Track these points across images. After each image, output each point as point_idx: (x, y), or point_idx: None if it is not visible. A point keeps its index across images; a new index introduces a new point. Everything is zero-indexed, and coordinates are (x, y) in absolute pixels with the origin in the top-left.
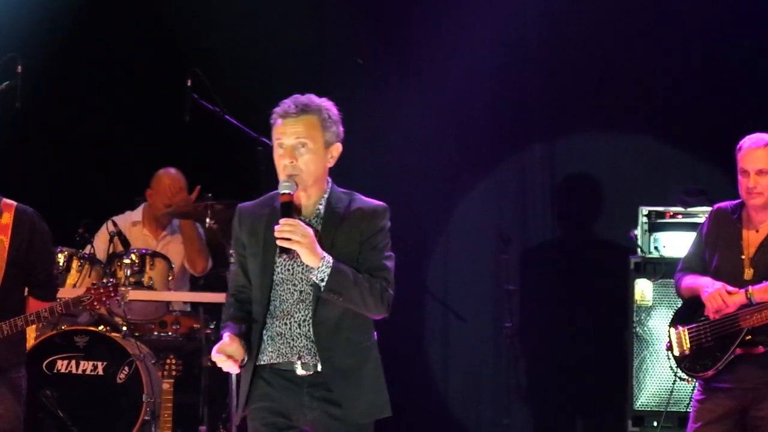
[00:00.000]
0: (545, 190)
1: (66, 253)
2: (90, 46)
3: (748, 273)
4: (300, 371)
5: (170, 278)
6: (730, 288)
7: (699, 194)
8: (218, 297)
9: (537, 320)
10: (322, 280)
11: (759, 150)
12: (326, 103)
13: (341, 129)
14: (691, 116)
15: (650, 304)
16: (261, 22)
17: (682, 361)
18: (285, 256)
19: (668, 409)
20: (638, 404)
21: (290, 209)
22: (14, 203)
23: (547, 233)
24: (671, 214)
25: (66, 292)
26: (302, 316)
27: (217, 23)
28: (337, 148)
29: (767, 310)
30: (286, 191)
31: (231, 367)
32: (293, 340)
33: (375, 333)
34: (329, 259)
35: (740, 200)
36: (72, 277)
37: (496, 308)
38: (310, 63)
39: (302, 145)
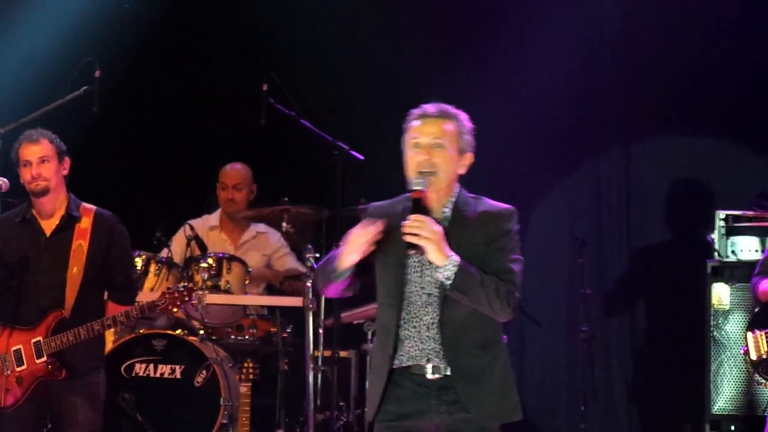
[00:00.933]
0: (621, 194)
1: (143, 256)
2: (167, 51)
3: None
4: (430, 375)
5: (247, 282)
6: None
7: None
8: (295, 301)
9: (613, 324)
10: (448, 279)
11: None
12: (462, 114)
13: (473, 141)
14: None
15: (727, 308)
16: (337, 27)
17: (759, 366)
18: (413, 252)
19: (746, 414)
20: (716, 408)
21: (420, 206)
22: (93, 207)
23: (623, 237)
24: (749, 217)
25: (143, 296)
26: (431, 318)
27: (294, 27)
28: (470, 158)
29: None
30: (418, 188)
31: (357, 247)
32: (422, 342)
33: (505, 337)
34: (456, 258)
35: None
36: (150, 281)
37: (572, 312)
38: (386, 68)
39: (439, 146)
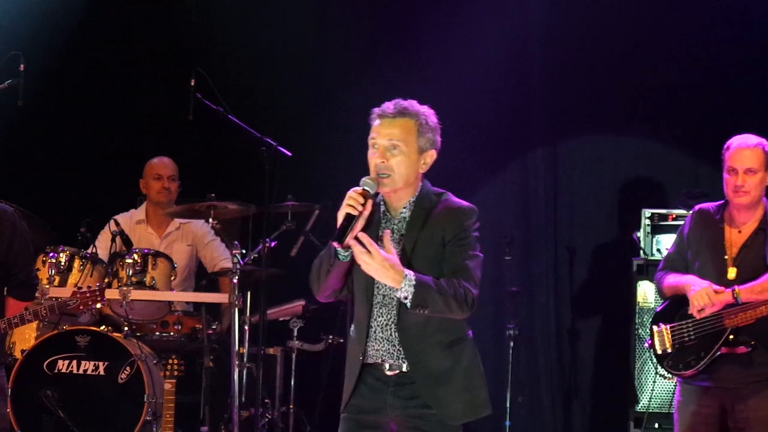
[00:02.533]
0: (548, 192)
1: (68, 252)
2: (93, 45)
3: (732, 273)
4: (387, 371)
5: (172, 278)
6: (716, 287)
7: (701, 197)
8: (220, 297)
9: (539, 322)
10: (406, 298)
11: (747, 150)
12: (426, 110)
13: (438, 138)
14: (694, 119)
15: (652, 305)
16: (264, 23)
17: (664, 359)
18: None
19: (670, 411)
20: (640, 406)
21: (350, 222)
22: None
23: (549, 235)
24: (674, 216)
25: (66, 292)
26: (384, 320)
27: (222, 22)
28: (432, 155)
29: (752, 310)
30: (366, 188)
31: (355, 203)
32: (377, 342)
33: (470, 331)
34: (411, 275)
35: (722, 201)
36: (74, 277)
37: (498, 310)
38: (313, 63)
39: (395, 147)
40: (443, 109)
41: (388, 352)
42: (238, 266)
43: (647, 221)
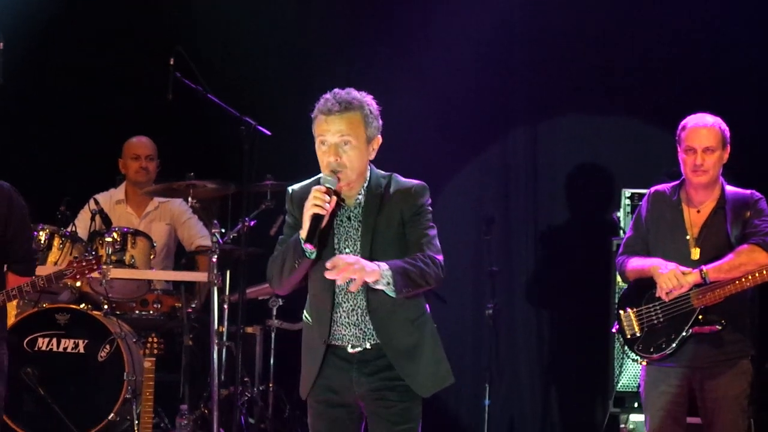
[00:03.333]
0: (528, 172)
1: (48, 230)
2: (73, 24)
3: (695, 253)
4: (350, 349)
5: (152, 257)
6: (683, 268)
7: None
8: (199, 276)
9: (519, 301)
10: (388, 285)
11: (704, 129)
12: (367, 98)
13: (380, 122)
14: (675, 98)
15: None
16: (244, 1)
17: (634, 343)
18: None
19: None
20: (620, 385)
21: (319, 222)
22: None
23: (529, 215)
24: None
25: (47, 270)
26: (350, 305)
27: (201, 1)
28: (378, 141)
29: (720, 289)
30: (329, 185)
31: (322, 203)
32: (342, 327)
33: (427, 305)
34: (384, 266)
35: (677, 182)
36: (53, 255)
37: (478, 289)
38: (294, 44)
39: (346, 143)
40: (424, 90)
41: (355, 336)
42: (217, 245)
43: (627, 201)
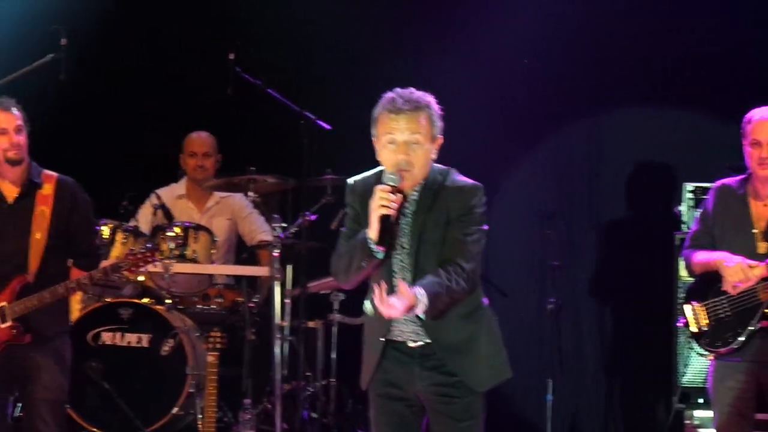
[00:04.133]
0: (589, 166)
1: (110, 225)
2: (134, 20)
3: (762, 247)
4: (411, 343)
5: (213, 251)
6: (751, 261)
7: (745, 170)
8: (261, 270)
9: (581, 296)
10: (423, 313)
11: None
12: (430, 98)
13: (442, 123)
14: (739, 91)
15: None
16: None
17: (701, 338)
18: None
19: None
20: (684, 381)
21: (387, 222)
22: (55, 174)
23: (591, 209)
24: None
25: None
26: None
27: None
28: (440, 141)
29: None
30: (391, 183)
31: (388, 202)
32: (401, 324)
33: (485, 299)
34: (422, 295)
35: (743, 176)
36: (116, 250)
37: (539, 284)
38: (353, 38)
39: (415, 142)
40: (484, 83)
41: (413, 332)
42: (278, 239)
43: (690, 195)
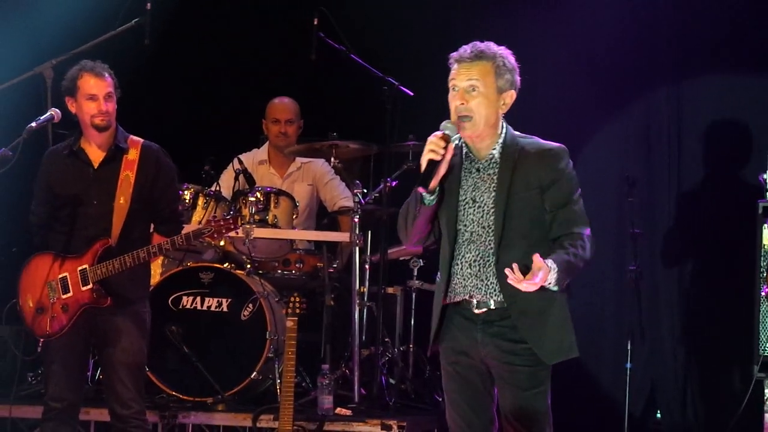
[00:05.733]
0: (671, 132)
1: (192, 190)
2: None
3: None
4: (476, 309)
5: (294, 216)
6: None
7: None
8: (341, 236)
9: (661, 264)
10: (549, 283)
11: None
12: (503, 51)
13: (518, 78)
14: None
15: None
16: None
17: None
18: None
19: None
20: (765, 350)
21: (433, 167)
22: (140, 140)
23: (673, 176)
24: None
25: (190, 229)
26: (472, 256)
27: None
28: (511, 96)
29: None
30: (447, 131)
31: (437, 148)
32: (464, 279)
33: None
34: (553, 266)
35: None
36: (198, 214)
37: (620, 251)
38: (438, 3)
39: (474, 89)
40: (567, 50)
41: (476, 287)
42: (359, 205)
43: None
